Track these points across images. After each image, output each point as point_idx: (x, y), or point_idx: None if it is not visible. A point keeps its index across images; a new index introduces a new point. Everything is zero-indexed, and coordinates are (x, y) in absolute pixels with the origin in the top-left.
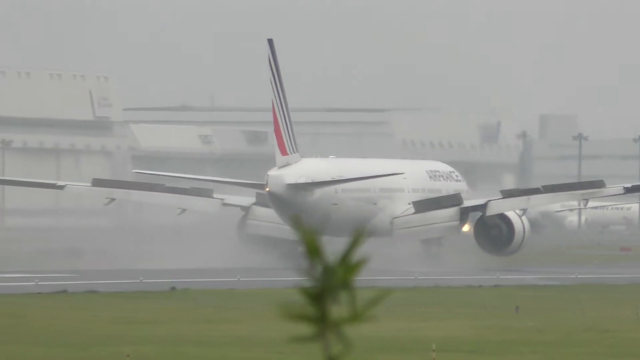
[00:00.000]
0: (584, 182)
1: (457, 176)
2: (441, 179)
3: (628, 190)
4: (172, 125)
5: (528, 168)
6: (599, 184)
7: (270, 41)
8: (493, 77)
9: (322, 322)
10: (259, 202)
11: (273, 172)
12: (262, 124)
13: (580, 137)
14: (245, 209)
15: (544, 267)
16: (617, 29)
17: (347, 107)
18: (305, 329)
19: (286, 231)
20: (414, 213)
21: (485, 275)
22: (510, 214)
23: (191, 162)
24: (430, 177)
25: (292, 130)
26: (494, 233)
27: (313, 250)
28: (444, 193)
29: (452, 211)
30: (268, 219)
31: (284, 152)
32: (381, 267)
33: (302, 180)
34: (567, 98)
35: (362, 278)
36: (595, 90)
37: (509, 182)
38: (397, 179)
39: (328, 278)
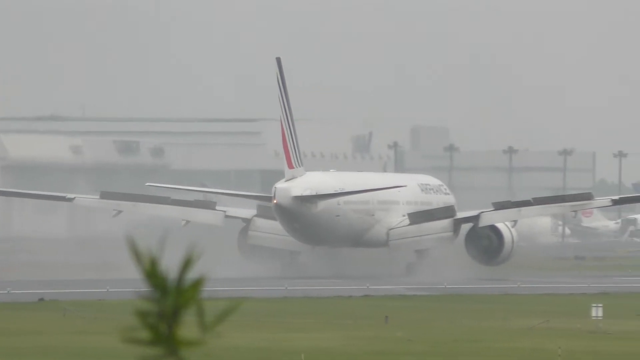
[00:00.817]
0: (573, 195)
1: (445, 189)
2: (432, 192)
3: (615, 203)
4: (43, 135)
5: None
6: (587, 196)
7: (278, 60)
8: (366, 87)
9: (165, 342)
10: (260, 214)
11: (280, 185)
12: (134, 134)
13: (451, 149)
14: (247, 221)
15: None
16: (486, 43)
17: (219, 118)
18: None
19: (287, 242)
20: (409, 224)
21: (356, 285)
22: (500, 225)
23: (61, 173)
24: (422, 190)
25: (298, 144)
26: (484, 243)
27: (150, 274)
28: (435, 205)
29: (445, 222)
30: (269, 230)
31: (290, 165)
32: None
33: (307, 192)
34: (439, 110)
35: (229, 289)
36: (466, 102)
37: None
38: (393, 192)
39: (166, 300)
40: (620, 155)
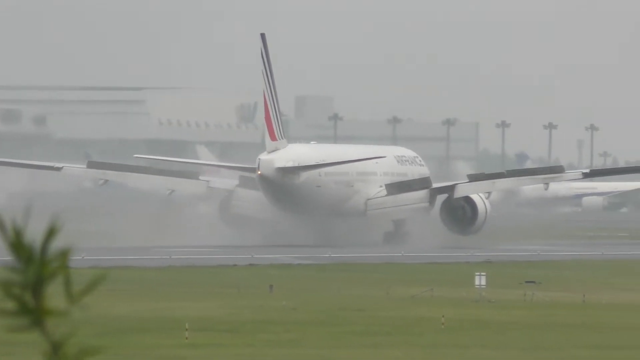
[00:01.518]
0: (545, 168)
1: (420, 161)
2: (407, 163)
3: (586, 175)
4: None
5: None
6: (559, 169)
7: (262, 35)
8: (250, 58)
9: (30, 312)
10: (242, 185)
11: (264, 157)
12: (16, 102)
13: (335, 118)
14: (229, 192)
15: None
16: (371, 11)
17: (102, 86)
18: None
19: (267, 212)
20: (386, 195)
21: (243, 254)
22: (474, 197)
23: None
24: (398, 161)
25: (280, 118)
26: (459, 214)
27: (15, 245)
28: (410, 177)
29: (421, 193)
30: (250, 200)
31: (273, 138)
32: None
33: (290, 164)
34: (323, 79)
35: (113, 259)
36: (350, 71)
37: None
38: (371, 163)
39: (29, 270)
40: (503, 125)
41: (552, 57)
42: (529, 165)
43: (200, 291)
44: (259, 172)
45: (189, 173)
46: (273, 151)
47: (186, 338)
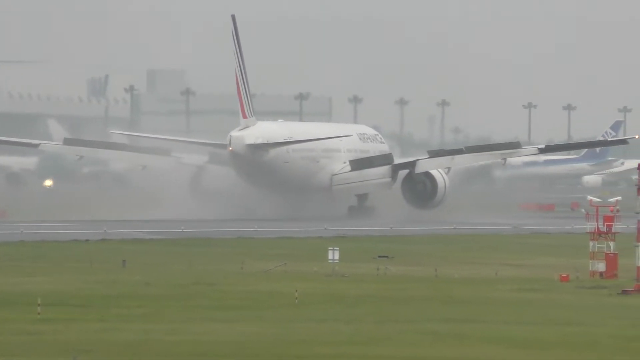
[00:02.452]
0: (502, 144)
1: (380, 139)
2: (369, 140)
3: (541, 151)
4: None
5: (137, 122)
6: (515, 145)
7: (233, 17)
8: (103, 33)
9: None
10: (212, 161)
11: (235, 133)
12: None
13: (187, 92)
14: (200, 167)
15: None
16: None
17: None
18: None
19: (236, 187)
20: (350, 171)
21: (95, 229)
22: (434, 172)
23: None
24: (360, 139)
25: (250, 96)
26: (419, 188)
27: None
28: (372, 153)
29: (384, 169)
30: (220, 176)
31: (244, 115)
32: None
33: (259, 141)
34: (176, 53)
35: None
36: (202, 44)
37: (119, 137)
38: (335, 140)
39: None
40: (356, 100)
41: (404, 33)
42: None
43: (53, 266)
44: (230, 149)
45: (162, 149)
46: (244, 128)
47: (38, 313)
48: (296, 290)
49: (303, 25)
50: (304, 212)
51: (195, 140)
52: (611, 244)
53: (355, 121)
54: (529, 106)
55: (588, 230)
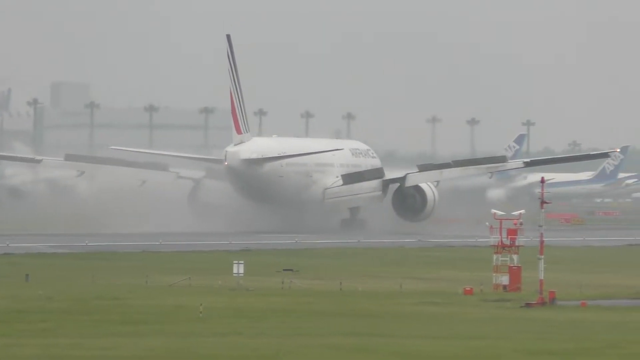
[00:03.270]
0: (489, 158)
1: (372, 153)
2: (361, 155)
3: (527, 165)
4: None
5: (40, 136)
6: (502, 159)
7: (228, 37)
8: (7, 44)
9: None
10: (209, 176)
11: (231, 149)
12: None
13: (92, 106)
14: (197, 181)
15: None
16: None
17: None
18: None
19: (232, 200)
20: (342, 185)
21: None
22: (423, 185)
23: None
24: (353, 154)
25: (245, 113)
26: (409, 202)
27: None
28: (363, 168)
29: (375, 183)
30: (216, 190)
31: (239, 131)
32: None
33: (254, 155)
34: (80, 66)
35: None
36: (107, 58)
37: (22, 150)
38: (328, 155)
39: None
40: (261, 113)
41: (299, 49)
42: None
43: None
44: (226, 163)
45: (160, 165)
46: (239, 144)
47: None
48: (201, 304)
49: (203, 39)
50: (297, 224)
51: (197, 156)
52: (514, 257)
53: (259, 132)
54: (433, 120)
55: (492, 244)
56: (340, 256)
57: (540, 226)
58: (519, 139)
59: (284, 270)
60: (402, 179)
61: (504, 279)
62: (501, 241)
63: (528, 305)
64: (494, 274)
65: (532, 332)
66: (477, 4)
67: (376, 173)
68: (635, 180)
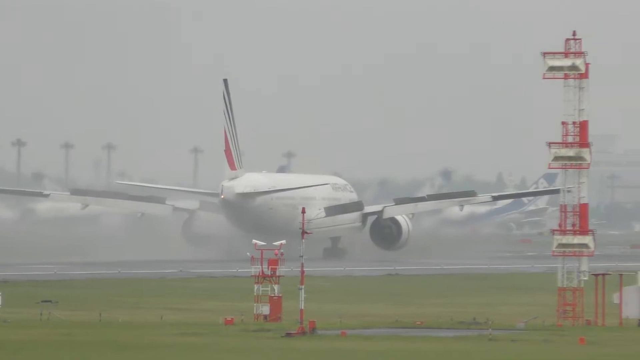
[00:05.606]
0: (460, 192)
1: (350, 188)
2: (340, 190)
3: (495, 198)
4: None
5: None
6: (472, 194)
7: (225, 81)
8: None
9: None
10: (202, 208)
11: (226, 183)
12: None
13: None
14: (191, 213)
15: None
16: None
17: None
18: None
19: (223, 230)
20: (325, 216)
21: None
22: (399, 217)
23: None
24: (333, 188)
25: (239, 150)
26: (386, 232)
27: None
28: (342, 201)
29: (355, 215)
30: (209, 220)
31: (232, 167)
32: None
33: (248, 189)
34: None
35: None
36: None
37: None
38: (312, 189)
39: None
40: (19, 143)
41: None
42: (47, 184)
43: None
44: (222, 197)
45: (157, 198)
46: (233, 179)
47: None
48: None
49: None
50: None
51: (195, 189)
52: (275, 287)
53: (18, 164)
54: (195, 151)
55: (253, 274)
56: (100, 286)
57: (301, 256)
58: (281, 169)
59: (42, 301)
60: (380, 212)
61: (265, 309)
62: (262, 271)
63: (288, 335)
64: (255, 304)
65: None
66: None
67: (356, 206)
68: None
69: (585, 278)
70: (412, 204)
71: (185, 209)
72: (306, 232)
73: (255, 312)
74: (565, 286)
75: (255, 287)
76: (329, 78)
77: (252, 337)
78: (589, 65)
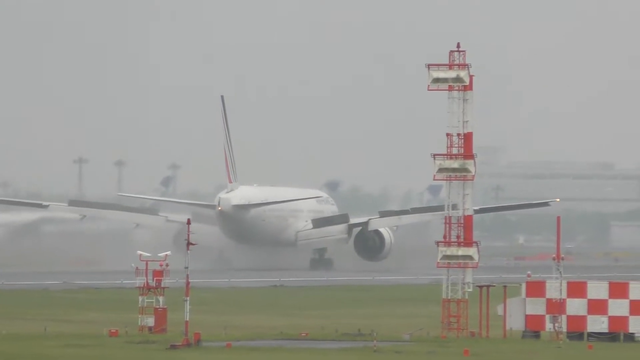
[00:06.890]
0: (442, 206)
1: (332, 201)
2: (323, 203)
3: (476, 212)
4: None
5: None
6: (454, 207)
7: (222, 97)
8: None
9: None
10: (194, 219)
11: (223, 196)
12: None
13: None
14: (183, 224)
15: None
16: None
17: None
18: None
19: (214, 241)
20: (312, 228)
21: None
22: (382, 230)
23: None
24: (317, 202)
25: (235, 165)
26: (370, 244)
27: None
28: (326, 214)
29: (341, 227)
30: (201, 231)
31: (229, 180)
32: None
33: (243, 202)
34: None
35: None
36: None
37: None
38: (299, 202)
39: None
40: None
41: None
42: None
43: None
44: (219, 208)
45: (151, 209)
46: (229, 191)
47: None
48: None
49: None
50: (273, 263)
51: (193, 201)
52: (160, 298)
53: None
54: (80, 161)
55: (137, 285)
56: None
57: (186, 268)
58: (165, 181)
59: None
60: (365, 224)
61: (150, 321)
62: (147, 282)
63: (173, 346)
64: (140, 316)
65: None
66: None
67: (342, 218)
68: None
69: (470, 289)
70: (396, 216)
71: (178, 221)
72: (191, 244)
73: (139, 323)
74: (449, 297)
75: (140, 298)
76: None
77: (136, 349)
78: (473, 77)
